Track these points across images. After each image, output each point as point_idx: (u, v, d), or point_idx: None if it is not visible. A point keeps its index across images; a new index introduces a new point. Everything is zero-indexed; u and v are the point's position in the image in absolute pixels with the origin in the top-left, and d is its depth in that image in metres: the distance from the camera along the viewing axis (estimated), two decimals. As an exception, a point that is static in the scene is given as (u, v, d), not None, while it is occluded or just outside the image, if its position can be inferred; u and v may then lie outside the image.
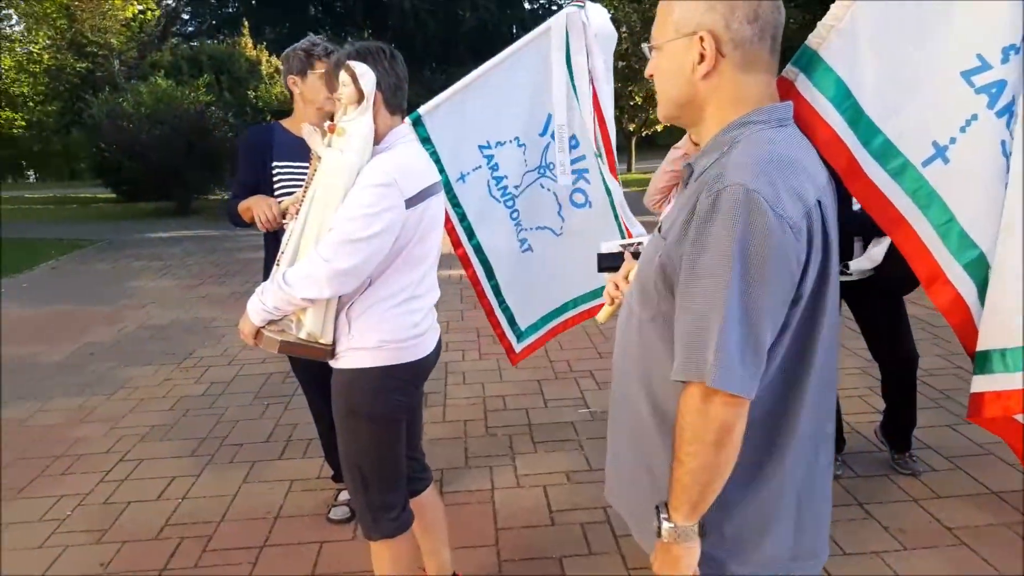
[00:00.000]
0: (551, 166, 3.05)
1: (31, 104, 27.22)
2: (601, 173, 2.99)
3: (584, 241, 3.02)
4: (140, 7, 26.89)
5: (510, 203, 3.09)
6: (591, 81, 2.87)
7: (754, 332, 1.17)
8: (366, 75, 1.97)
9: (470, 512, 3.20)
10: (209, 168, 15.55)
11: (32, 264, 9.23)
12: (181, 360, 5.49)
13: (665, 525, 1.30)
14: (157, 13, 27.04)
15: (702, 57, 1.26)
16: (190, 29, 23.23)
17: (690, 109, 1.33)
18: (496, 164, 3.03)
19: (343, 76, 1.99)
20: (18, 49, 26.83)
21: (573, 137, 3.02)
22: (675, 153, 2.88)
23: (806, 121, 1.55)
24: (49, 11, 25.62)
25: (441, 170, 2.92)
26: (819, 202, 1.22)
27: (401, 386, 2.12)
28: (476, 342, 5.63)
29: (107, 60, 26.74)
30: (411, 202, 1.98)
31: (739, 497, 1.33)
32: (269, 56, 21.73)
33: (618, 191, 3.01)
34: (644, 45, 1.39)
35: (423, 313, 2.15)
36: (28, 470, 3.78)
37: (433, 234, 2.13)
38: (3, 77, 26.90)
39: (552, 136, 2.99)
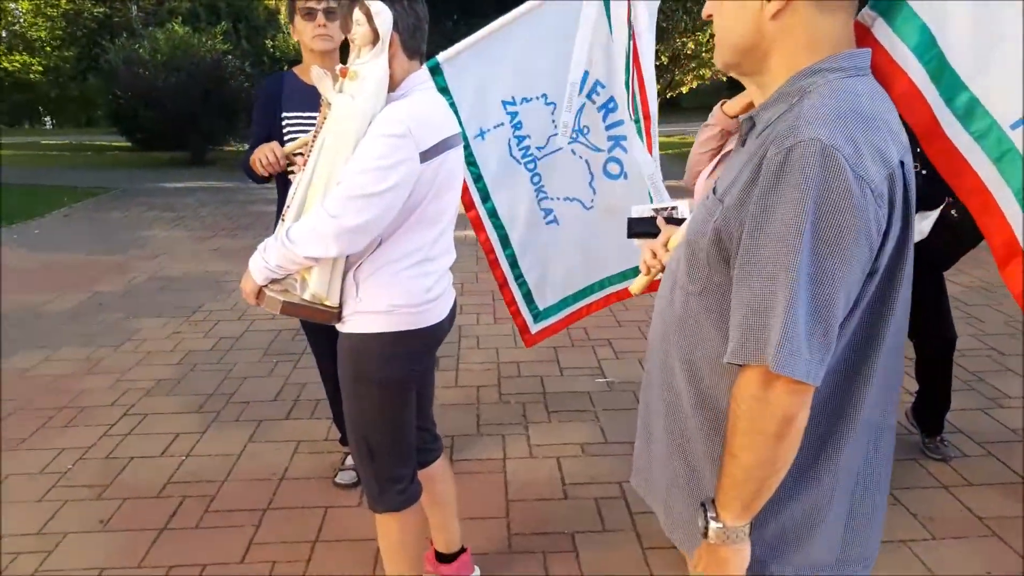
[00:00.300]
0: (585, 131, 2.81)
1: (48, 49, 27.02)
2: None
3: (617, 216, 2.77)
4: (159, -48, 26.52)
5: (531, 165, 2.87)
6: (632, 36, 2.63)
7: (825, 309, 1.03)
8: (382, 14, 1.80)
9: (481, 482, 3.10)
10: (225, 118, 15.34)
11: (45, 211, 9.15)
12: (190, 313, 5.39)
13: (713, 525, 1.16)
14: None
15: None
16: (211, -25, 22.86)
17: (753, 55, 1.16)
18: (520, 123, 2.81)
19: (357, 14, 1.82)
20: (36, -8, 26.54)
21: (612, 99, 2.78)
22: (708, 132, 2.60)
23: (882, 72, 1.37)
24: (67, -46, 25.33)
25: (458, 124, 2.73)
26: (902, 163, 1.07)
27: (412, 353, 1.98)
28: (491, 305, 5.49)
29: (124, 5, 26.44)
30: (427, 155, 1.82)
31: (787, 492, 1.19)
32: (288, 6, 21.38)
33: (649, 165, 2.77)
34: None
35: (437, 276, 2.00)
36: (31, 421, 3.70)
37: (450, 191, 1.98)
38: (21, 21, 26.67)
39: (588, 96, 2.75)
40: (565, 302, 3.08)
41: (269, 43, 19.20)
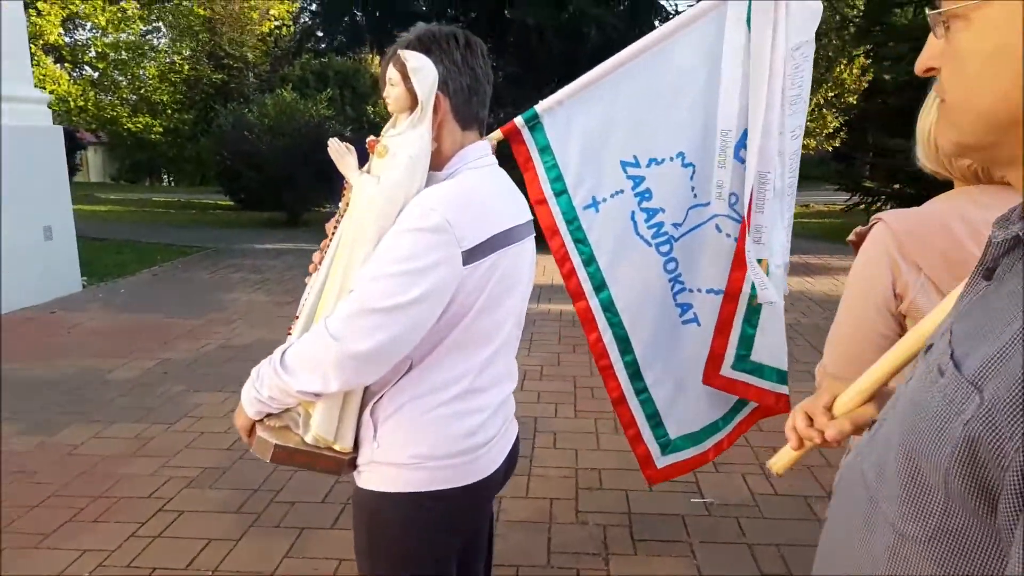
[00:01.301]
0: (732, 199, 2.16)
1: (169, 111, 28.65)
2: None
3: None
4: (276, 23, 28.03)
5: (665, 247, 2.23)
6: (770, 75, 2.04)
7: None
8: (423, 70, 1.37)
9: (546, 637, 2.54)
10: (322, 180, 15.57)
11: (136, 268, 9.23)
12: (253, 388, 5.06)
13: None
14: (293, 29, 28.12)
15: None
16: (323, 45, 23.99)
17: (1018, 131, 0.64)
18: (647, 191, 2.18)
19: (391, 72, 1.40)
20: (163, 59, 28.35)
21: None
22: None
23: None
24: (193, 24, 27.07)
25: (562, 191, 2.17)
26: None
27: (446, 520, 1.49)
28: (572, 394, 4.95)
29: (241, 72, 27.92)
30: (473, 254, 1.36)
31: None
32: (392, 72, 21.85)
33: (717, 240, 2.18)
34: (929, 13, 0.71)
35: (488, 413, 1.51)
36: (62, 511, 3.38)
37: (509, 300, 1.50)
38: (148, 85, 28.44)
39: (735, 153, 2.12)
40: (711, 429, 2.39)
41: (370, 109, 19.59)
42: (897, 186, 13.48)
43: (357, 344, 1.29)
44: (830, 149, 23.34)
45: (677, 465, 2.38)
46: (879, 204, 13.81)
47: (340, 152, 1.52)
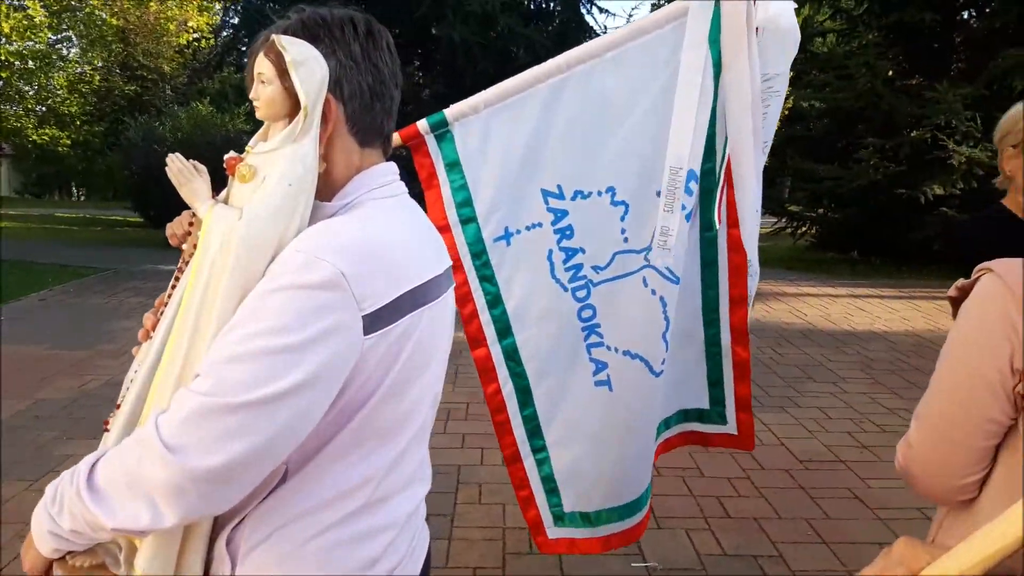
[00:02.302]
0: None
1: (78, 123, 27.29)
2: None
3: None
4: (195, 35, 27.05)
5: (582, 292, 1.88)
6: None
7: None
8: (306, 64, 0.97)
9: None
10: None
11: (21, 293, 8.38)
12: (139, 434, 4.47)
13: None
14: (212, 42, 27.22)
15: None
16: (246, 60, 23.34)
17: None
18: (569, 227, 1.84)
19: (261, 65, 1.00)
20: (72, 69, 26.98)
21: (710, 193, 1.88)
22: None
23: None
24: (105, 34, 25.82)
25: (470, 218, 1.83)
26: None
27: None
28: (500, 436, 4.52)
29: (156, 85, 26.82)
30: (379, 319, 0.95)
31: None
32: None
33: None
34: None
35: (396, 530, 1.09)
36: None
37: (426, 373, 1.09)
38: (55, 95, 26.99)
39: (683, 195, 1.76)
40: (615, 514, 2.03)
41: (292, 124, 19.04)
42: (821, 210, 13.64)
43: (205, 458, 0.86)
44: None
45: (569, 542, 2.07)
46: (805, 227, 13.95)
47: (184, 173, 1.09)
